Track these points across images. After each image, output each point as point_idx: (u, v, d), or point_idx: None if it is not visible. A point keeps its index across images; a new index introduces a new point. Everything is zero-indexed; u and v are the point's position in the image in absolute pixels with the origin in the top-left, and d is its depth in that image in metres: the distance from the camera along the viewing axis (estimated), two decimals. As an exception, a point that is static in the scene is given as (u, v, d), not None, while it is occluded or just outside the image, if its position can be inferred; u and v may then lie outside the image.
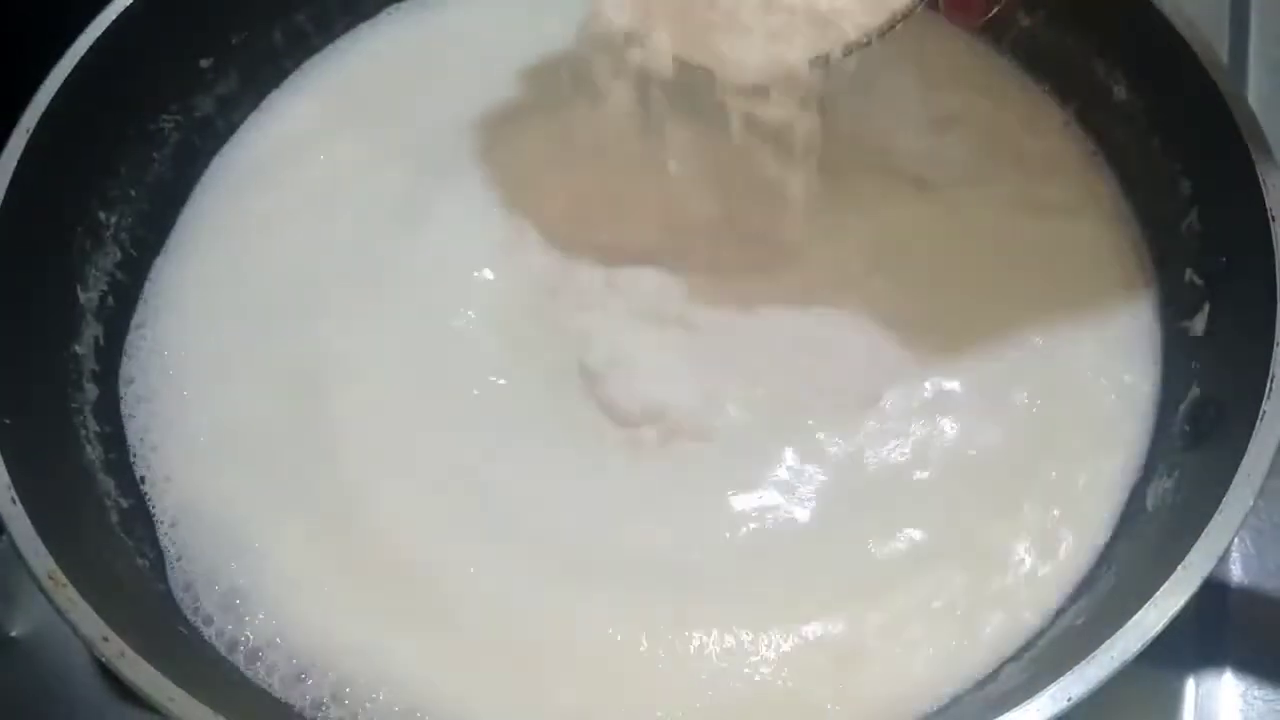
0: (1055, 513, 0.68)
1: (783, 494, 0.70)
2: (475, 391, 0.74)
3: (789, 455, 0.71)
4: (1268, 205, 0.66)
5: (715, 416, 0.72)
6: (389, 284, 0.78)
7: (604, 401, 0.73)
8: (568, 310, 0.77)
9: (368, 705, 0.64)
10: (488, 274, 0.78)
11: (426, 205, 0.81)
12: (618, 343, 0.75)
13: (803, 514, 0.69)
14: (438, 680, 0.64)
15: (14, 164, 0.69)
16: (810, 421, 0.72)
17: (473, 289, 0.78)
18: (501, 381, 0.74)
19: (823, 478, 0.70)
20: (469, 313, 0.77)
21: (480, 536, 0.69)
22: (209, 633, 0.66)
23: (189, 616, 0.67)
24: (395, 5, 0.91)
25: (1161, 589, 0.57)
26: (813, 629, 0.66)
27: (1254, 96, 0.90)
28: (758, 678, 0.64)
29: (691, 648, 0.65)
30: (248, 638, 0.66)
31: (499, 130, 0.83)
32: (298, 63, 0.89)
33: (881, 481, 0.70)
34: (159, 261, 0.80)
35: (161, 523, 0.70)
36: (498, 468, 0.71)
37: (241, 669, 0.65)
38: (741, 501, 0.70)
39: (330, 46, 0.90)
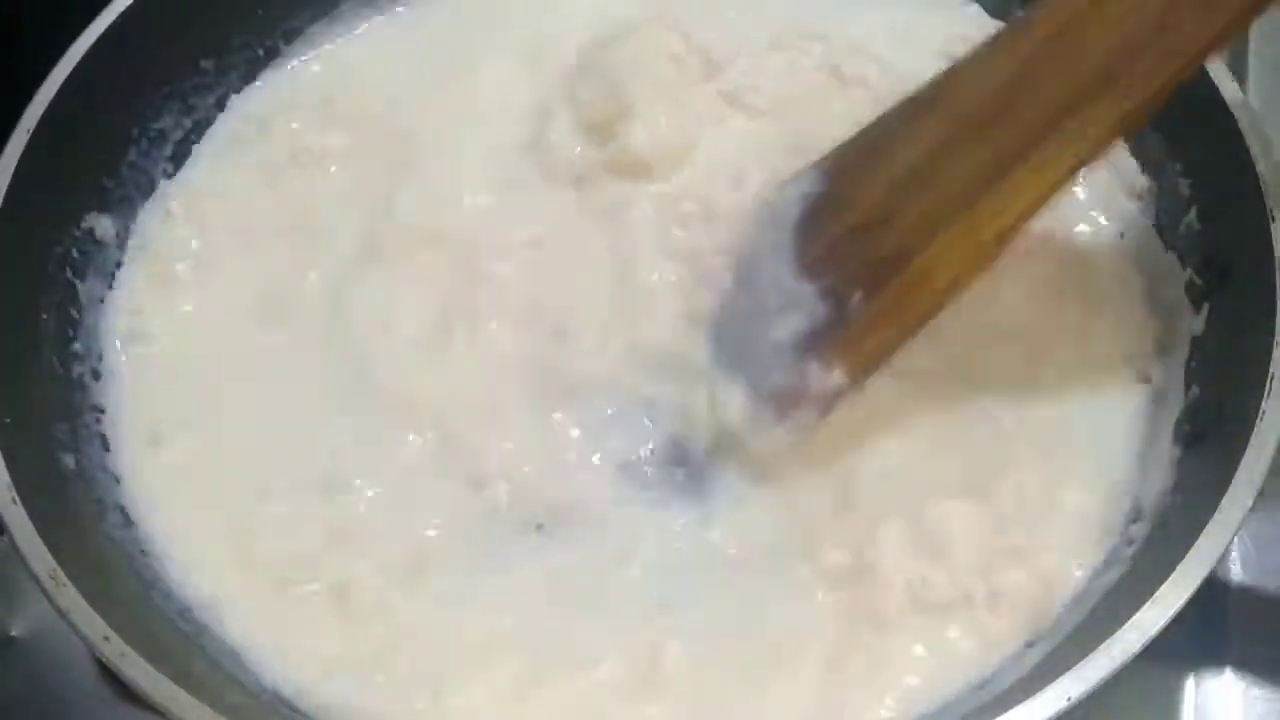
0: (1054, 513, 0.68)
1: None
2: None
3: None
4: (1267, 205, 0.66)
5: None
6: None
7: None
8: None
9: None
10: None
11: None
12: None
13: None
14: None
15: (14, 164, 0.70)
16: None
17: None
18: None
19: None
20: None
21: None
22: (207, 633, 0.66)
23: (186, 618, 0.67)
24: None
25: (1161, 589, 0.57)
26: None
27: (1254, 96, 0.90)
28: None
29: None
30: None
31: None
32: (299, 64, 0.88)
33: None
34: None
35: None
36: None
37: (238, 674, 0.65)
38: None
39: (332, 47, 0.89)
